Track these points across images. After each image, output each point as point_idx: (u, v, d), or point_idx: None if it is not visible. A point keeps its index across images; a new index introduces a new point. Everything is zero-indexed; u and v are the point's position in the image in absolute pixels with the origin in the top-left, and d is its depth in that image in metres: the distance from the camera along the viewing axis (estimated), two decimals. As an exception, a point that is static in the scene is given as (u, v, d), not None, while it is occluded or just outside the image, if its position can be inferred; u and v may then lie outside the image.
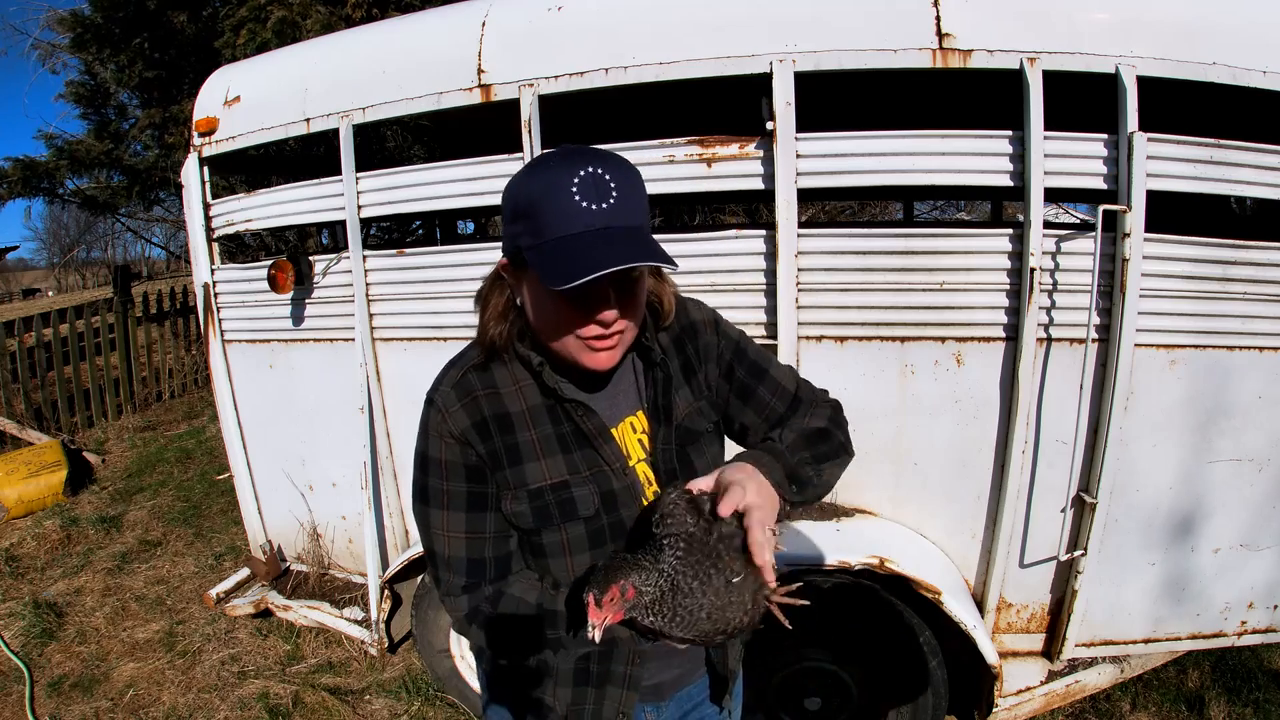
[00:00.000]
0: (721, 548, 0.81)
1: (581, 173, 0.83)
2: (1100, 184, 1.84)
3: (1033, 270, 1.83)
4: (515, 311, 0.99)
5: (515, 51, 2.13)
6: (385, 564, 2.64)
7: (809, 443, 1.00)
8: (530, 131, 2.11)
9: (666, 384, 1.03)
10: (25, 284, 32.93)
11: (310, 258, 2.61)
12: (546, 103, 2.12)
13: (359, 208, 2.43)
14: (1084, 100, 1.97)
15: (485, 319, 1.01)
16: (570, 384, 1.00)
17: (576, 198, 0.82)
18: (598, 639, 0.77)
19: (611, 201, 0.83)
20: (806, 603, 0.83)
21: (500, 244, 0.96)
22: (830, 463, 1.01)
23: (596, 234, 0.82)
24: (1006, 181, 1.88)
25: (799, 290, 1.99)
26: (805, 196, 2.42)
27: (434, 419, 0.99)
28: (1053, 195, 2.99)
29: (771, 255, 1.98)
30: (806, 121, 1.90)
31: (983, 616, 2.08)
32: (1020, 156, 1.84)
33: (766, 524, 0.81)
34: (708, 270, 2.06)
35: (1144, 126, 1.76)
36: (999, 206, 4.60)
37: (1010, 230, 1.90)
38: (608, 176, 0.84)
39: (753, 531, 0.80)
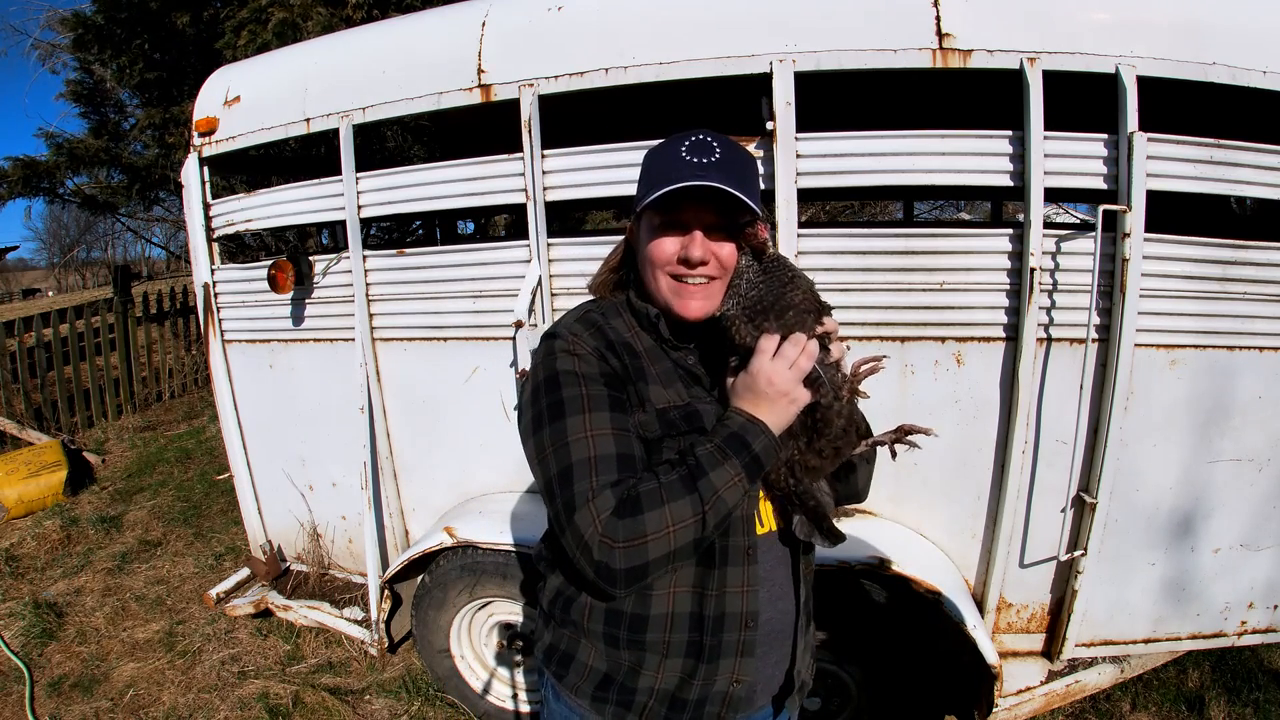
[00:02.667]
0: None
1: (693, 138, 0.99)
2: (1100, 184, 1.84)
3: (1033, 270, 1.83)
4: (625, 264, 1.12)
5: (515, 51, 2.13)
6: (385, 564, 2.65)
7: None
8: (530, 131, 2.11)
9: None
10: (25, 284, 32.94)
11: (310, 258, 2.61)
12: (546, 103, 2.12)
13: (359, 208, 2.43)
14: (1084, 100, 1.97)
15: (600, 269, 1.15)
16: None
17: (684, 154, 0.97)
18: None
19: (715, 159, 0.96)
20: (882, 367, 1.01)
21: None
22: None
23: (692, 176, 0.94)
24: (1006, 181, 1.88)
25: (799, 290, 1.98)
26: (805, 196, 2.42)
27: (560, 346, 1.02)
28: (1053, 195, 2.98)
29: (771, 255, 1.98)
30: (806, 121, 1.91)
31: (983, 616, 2.08)
32: (1020, 156, 1.84)
33: (843, 352, 1.01)
34: (708, 270, 2.06)
35: (1144, 126, 1.76)
36: (999, 206, 4.59)
37: (1010, 230, 1.90)
38: (714, 143, 0.98)
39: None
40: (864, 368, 1.01)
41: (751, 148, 1.96)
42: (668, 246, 0.99)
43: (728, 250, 0.99)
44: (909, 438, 1.08)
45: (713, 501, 0.90)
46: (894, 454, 1.10)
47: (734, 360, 1.00)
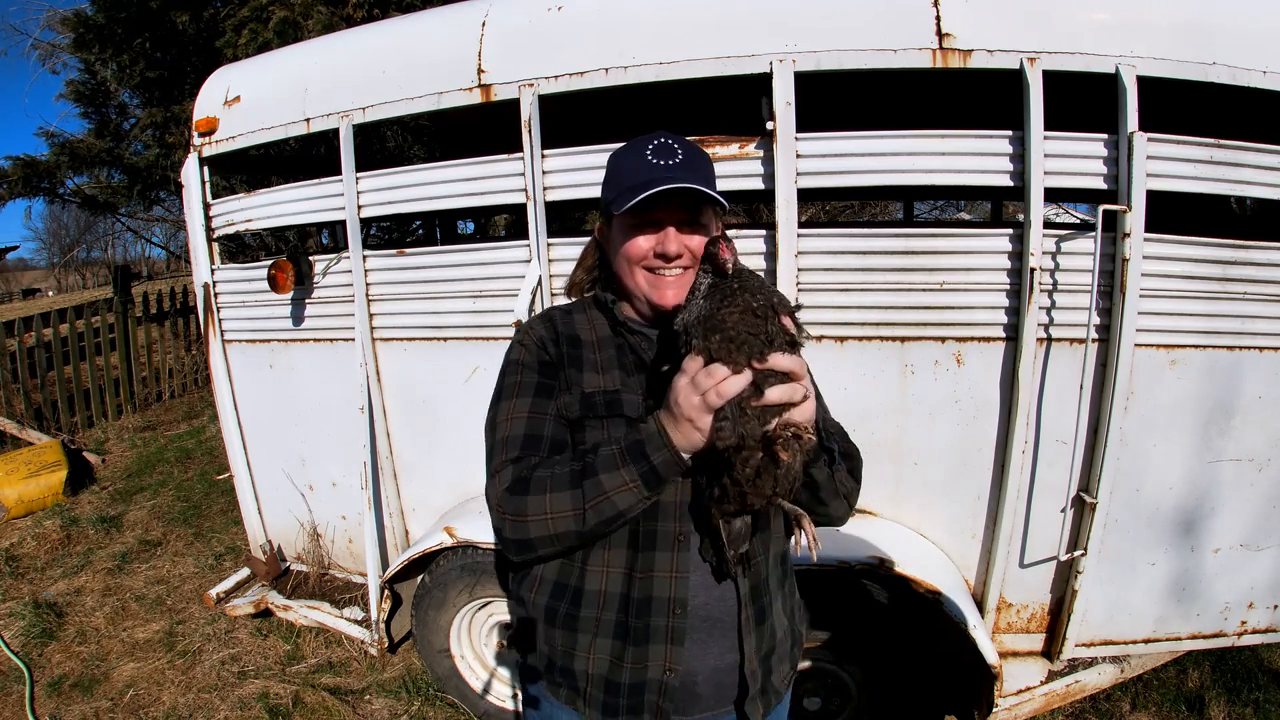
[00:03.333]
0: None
1: (655, 142, 1.06)
2: (1100, 184, 1.84)
3: (1033, 270, 1.83)
4: (598, 263, 1.19)
5: (515, 51, 2.13)
6: (385, 564, 2.64)
7: (857, 451, 1.12)
8: (530, 131, 2.11)
9: None
10: (25, 284, 32.95)
11: (310, 258, 2.61)
12: (546, 102, 2.12)
13: (359, 208, 2.43)
14: (1084, 100, 1.97)
15: (575, 269, 1.23)
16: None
17: (650, 158, 1.04)
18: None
19: (677, 161, 1.04)
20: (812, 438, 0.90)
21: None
22: (858, 482, 1.13)
23: (661, 179, 1.01)
24: (1006, 181, 1.88)
25: (799, 290, 1.99)
26: (805, 196, 2.42)
27: (516, 338, 1.16)
28: (1053, 195, 2.99)
29: (771, 255, 1.98)
30: (806, 121, 1.91)
31: (983, 616, 2.08)
32: (1020, 156, 1.84)
33: (793, 396, 0.88)
34: (708, 270, 2.06)
35: (1144, 126, 1.76)
36: (999, 206, 4.59)
37: (1010, 230, 1.90)
38: (676, 145, 1.06)
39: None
40: (788, 432, 0.87)
41: (751, 148, 1.96)
42: (643, 244, 1.06)
43: (698, 241, 1.05)
44: (799, 531, 0.97)
45: (596, 501, 0.96)
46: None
47: (665, 366, 1.02)
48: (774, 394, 0.86)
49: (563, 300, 1.26)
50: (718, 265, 0.93)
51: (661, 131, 1.09)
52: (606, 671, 1.07)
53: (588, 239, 1.25)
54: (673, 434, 0.93)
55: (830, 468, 1.03)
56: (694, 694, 1.07)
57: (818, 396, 1.14)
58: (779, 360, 0.86)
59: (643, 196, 0.99)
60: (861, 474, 1.16)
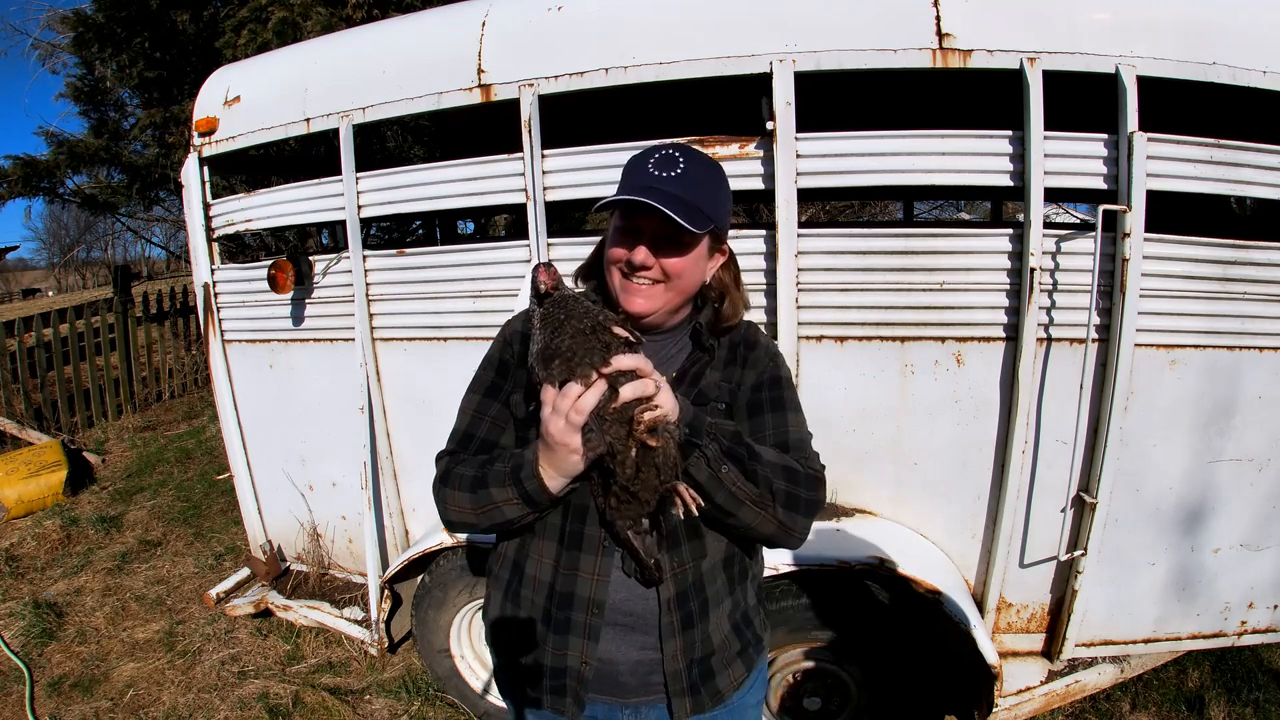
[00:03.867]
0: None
1: (661, 152, 1.07)
2: (1100, 184, 1.84)
3: (1033, 270, 1.83)
4: (597, 254, 1.20)
5: (515, 51, 2.13)
6: (385, 564, 2.64)
7: (759, 454, 1.03)
8: (530, 131, 2.11)
9: (706, 362, 1.16)
10: (25, 284, 32.96)
11: (310, 258, 2.61)
12: (546, 102, 2.12)
13: (359, 208, 2.43)
14: (1084, 100, 1.96)
15: (591, 254, 1.23)
16: None
17: (650, 167, 1.05)
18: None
19: (675, 174, 1.03)
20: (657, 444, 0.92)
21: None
22: (757, 485, 1.00)
23: (652, 189, 1.01)
24: (1006, 181, 1.88)
25: (799, 290, 1.99)
26: (805, 196, 2.42)
27: (500, 330, 1.23)
28: (1053, 195, 2.98)
29: (771, 255, 1.98)
30: (806, 121, 1.90)
31: (983, 616, 2.08)
32: (1020, 156, 1.84)
33: (645, 390, 0.91)
34: (708, 270, 2.06)
35: (1144, 126, 1.76)
36: (999, 206, 4.60)
37: (1010, 230, 1.90)
38: (680, 157, 1.05)
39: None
40: (647, 415, 0.90)
41: (751, 148, 1.96)
42: (618, 249, 1.08)
43: (671, 261, 1.06)
44: (675, 497, 0.97)
45: (487, 509, 1.05)
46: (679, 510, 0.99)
47: (531, 406, 1.05)
48: (628, 391, 0.91)
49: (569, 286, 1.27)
50: (535, 289, 1.00)
51: (678, 143, 1.09)
52: (534, 651, 1.14)
53: (588, 239, 1.26)
54: (547, 462, 0.98)
55: (710, 466, 0.98)
56: (617, 681, 1.12)
57: (792, 408, 1.16)
58: (622, 360, 0.91)
59: (614, 199, 1.02)
60: (802, 487, 1.05)
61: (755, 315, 2.04)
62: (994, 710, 1.94)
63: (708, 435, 1.00)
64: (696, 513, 0.97)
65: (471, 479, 1.07)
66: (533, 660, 1.14)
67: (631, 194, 1.00)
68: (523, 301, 2.14)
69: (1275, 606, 2.09)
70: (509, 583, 1.18)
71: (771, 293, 2.00)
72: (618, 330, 0.95)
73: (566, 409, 0.92)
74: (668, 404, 0.94)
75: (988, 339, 1.94)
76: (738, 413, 1.15)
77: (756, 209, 6.78)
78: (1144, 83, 1.76)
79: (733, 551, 1.15)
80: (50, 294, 27.55)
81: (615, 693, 1.13)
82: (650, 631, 1.10)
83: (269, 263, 2.55)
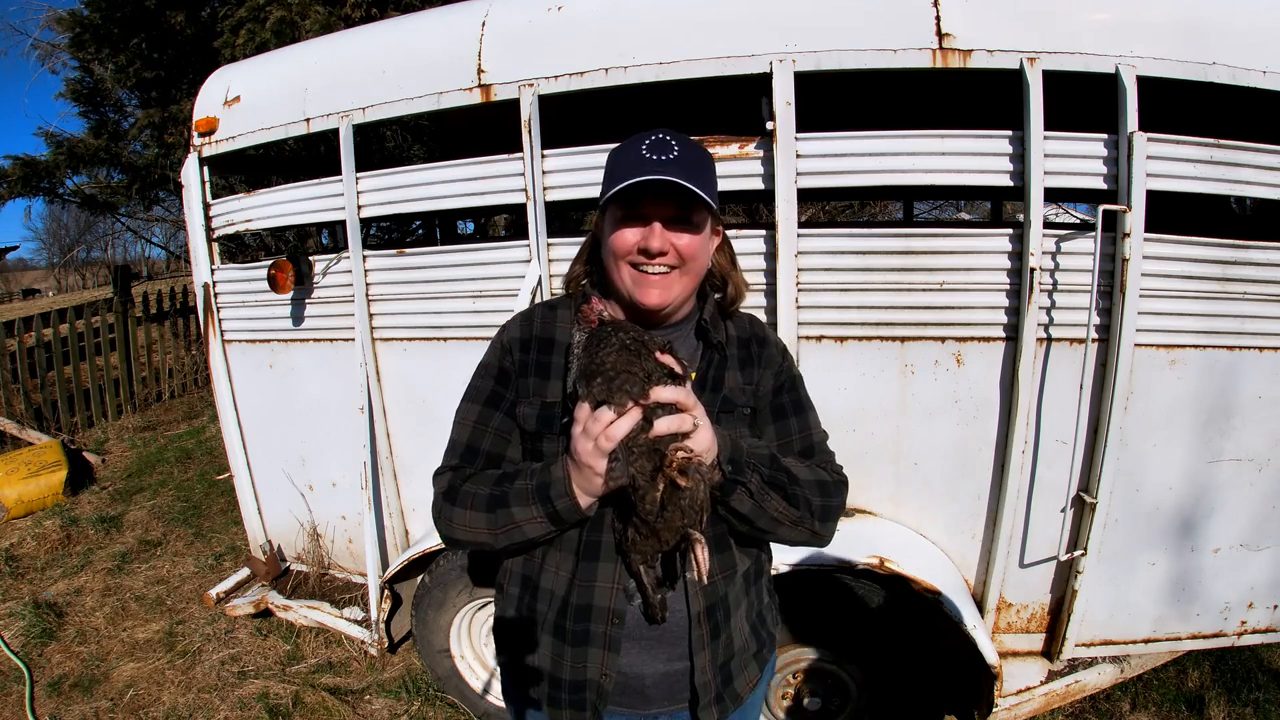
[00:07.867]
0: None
1: (653, 137, 1.03)
2: (1100, 184, 1.84)
3: (1033, 270, 1.83)
4: (593, 256, 1.16)
5: (515, 51, 2.12)
6: (385, 564, 2.64)
7: (796, 477, 1.04)
8: (530, 131, 2.11)
9: (722, 362, 1.13)
10: (25, 284, 32.92)
11: (310, 258, 2.61)
12: (546, 102, 2.12)
13: (359, 208, 2.42)
14: (1084, 100, 1.96)
15: (573, 263, 1.19)
16: None
17: (645, 152, 1.01)
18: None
19: (672, 157, 1.00)
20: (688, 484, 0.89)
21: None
22: (797, 508, 1.03)
23: (651, 172, 0.98)
24: (1006, 181, 1.88)
25: (799, 290, 1.99)
26: (805, 196, 2.42)
27: (496, 335, 1.17)
28: (1053, 195, 2.99)
29: (771, 255, 1.98)
30: (807, 122, 1.90)
31: (983, 616, 2.08)
32: (1020, 156, 1.84)
33: (682, 427, 0.88)
34: (708, 270, 2.06)
35: (1144, 126, 1.76)
36: (999, 206, 4.59)
37: (1010, 230, 1.90)
38: (673, 141, 1.02)
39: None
40: (679, 454, 0.88)
41: (751, 148, 1.96)
42: (629, 237, 1.03)
43: (685, 241, 1.03)
44: (692, 556, 0.97)
45: (506, 529, 1.01)
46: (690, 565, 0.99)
47: (566, 418, 1.02)
48: (662, 425, 0.87)
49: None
50: (586, 323, 0.98)
51: (664, 129, 1.06)
52: (550, 668, 1.10)
53: (588, 237, 1.24)
54: (576, 479, 0.96)
55: (754, 498, 0.99)
56: (643, 694, 1.10)
57: (810, 408, 1.17)
58: (662, 393, 0.88)
59: (625, 184, 0.98)
60: (833, 497, 1.09)
61: (755, 315, 2.04)
62: (994, 710, 1.94)
63: (749, 468, 0.98)
64: (706, 581, 0.98)
65: (489, 498, 1.02)
66: (550, 675, 1.10)
67: (639, 178, 0.98)
68: (523, 301, 2.14)
69: (1275, 606, 2.09)
70: (520, 598, 1.14)
71: (771, 293, 2.00)
72: (664, 358, 0.91)
73: (597, 433, 0.89)
74: (705, 442, 0.90)
75: (988, 339, 1.94)
76: (761, 415, 1.15)
77: (756, 209, 6.78)
78: (1144, 83, 1.76)
79: (753, 556, 1.16)
80: (50, 294, 27.51)
81: (637, 704, 1.10)
82: (676, 644, 1.08)
83: (269, 263, 2.55)
